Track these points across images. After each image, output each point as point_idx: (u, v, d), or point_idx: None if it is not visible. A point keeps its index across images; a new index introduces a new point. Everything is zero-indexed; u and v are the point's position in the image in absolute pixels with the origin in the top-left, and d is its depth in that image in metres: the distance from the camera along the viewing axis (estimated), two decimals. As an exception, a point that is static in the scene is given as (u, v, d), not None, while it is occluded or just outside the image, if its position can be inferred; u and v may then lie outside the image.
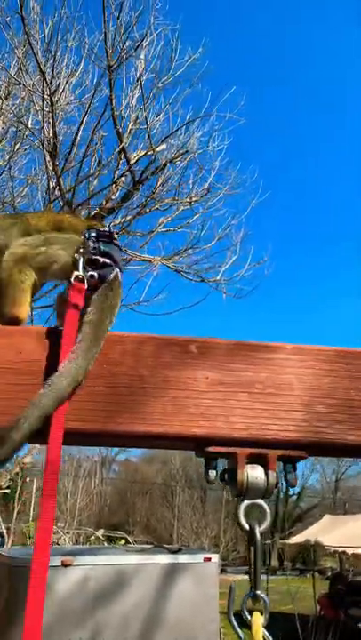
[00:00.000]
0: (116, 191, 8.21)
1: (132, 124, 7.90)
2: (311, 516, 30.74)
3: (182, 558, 6.39)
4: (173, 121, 7.89)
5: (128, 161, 7.35)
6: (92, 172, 7.53)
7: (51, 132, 6.81)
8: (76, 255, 0.90)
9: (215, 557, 6.52)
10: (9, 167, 8.02)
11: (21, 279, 0.93)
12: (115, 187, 8.03)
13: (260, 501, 0.76)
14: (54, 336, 0.82)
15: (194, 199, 8.42)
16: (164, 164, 7.43)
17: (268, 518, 0.76)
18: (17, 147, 7.83)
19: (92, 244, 0.91)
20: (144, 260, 7.74)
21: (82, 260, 0.88)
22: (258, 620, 0.72)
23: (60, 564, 5.83)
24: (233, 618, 0.73)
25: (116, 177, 8.00)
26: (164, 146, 8.13)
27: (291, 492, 34.66)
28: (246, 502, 0.76)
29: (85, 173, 7.38)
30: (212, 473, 0.78)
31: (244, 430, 0.78)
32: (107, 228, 0.97)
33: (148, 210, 8.22)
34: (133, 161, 7.81)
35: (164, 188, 7.92)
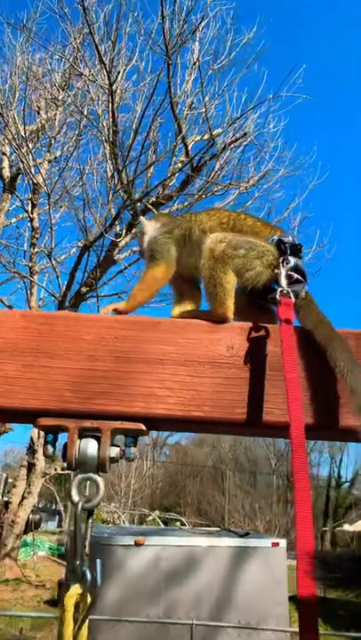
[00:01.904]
0: (172, 175, 8.19)
1: (187, 109, 7.83)
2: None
3: (251, 542, 6.46)
4: (230, 103, 7.77)
5: (186, 147, 7.32)
6: (150, 160, 7.55)
7: (110, 121, 6.87)
8: (276, 270, 0.92)
9: (283, 542, 6.54)
10: (69, 157, 8.17)
11: (227, 280, 0.93)
12: (171, 173, 8.02)
13: None
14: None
15: (251, 183, 8.30)
16: (223, 148, 7.34)
17: None
18: (75, 137, 7.96)
19: (292, 261, 0.92)
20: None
21: (284, 274, 0.90)
22: (71, 591, 0.70)
23: (132, 543, 6.05)
24: None
25: (173, 164, 8.00)
26: (220, 130, 8.03)
27: (343, 478, 34.24)
28: None
29: (144, 162, 7.41)
30: None
31: None
32: (291, 238, 0.96)
33: (205, 195, 8.15)
34: (190, 146, 7.77)
35: (221, 172, 7.85)
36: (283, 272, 0.90)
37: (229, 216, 1.07)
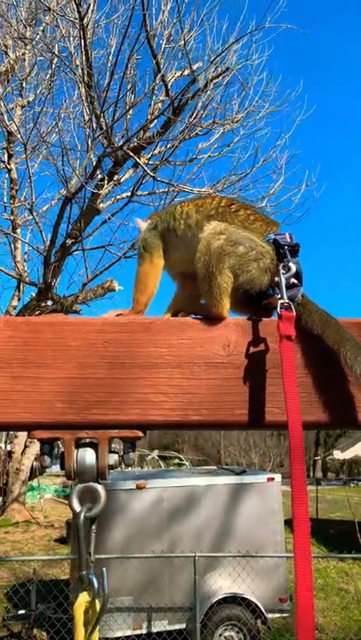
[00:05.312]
0: (154, 119, 7.80)
1: (164, 42, 7.31)
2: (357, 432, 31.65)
3: (247, 479, 6.78)
4: (210, 34, 7.24)
5: (166, 86, 6.89)
6: (128, 102, 7.11)
7: (84, 59, 6.41)
8: (276, 278, 0.85)
9: (278, 477, 6.87)
10: (44, 102, 7.71)
11: (223, 279, 0.86)
12: (152, 114, 7.63)
13: None
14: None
15: (235, 120, 7.94)
16: (205, 85, 6.91)
17: None
18: (48, 78, 7.46)
19: (293, 268, 0.84)
20: (190, 192, 7.49)
21: (284, 283, 0.83)
22: (80, 599, 0.70)
23: (134, 487, 6.31)
24: None
25: (152, 104, 7.58)
26: (200, 63, 7.55)
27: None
28: None
29: (122, 104, 6.98)
30: None
31: None
32: (288, 237, 0.89)
33: (187, 136, 7.80)
34: (170, 83, 7.32)
35: (204, 111, 7.46)
36: (283, 281, 0.83)
37: (218, 207, 0.98)
